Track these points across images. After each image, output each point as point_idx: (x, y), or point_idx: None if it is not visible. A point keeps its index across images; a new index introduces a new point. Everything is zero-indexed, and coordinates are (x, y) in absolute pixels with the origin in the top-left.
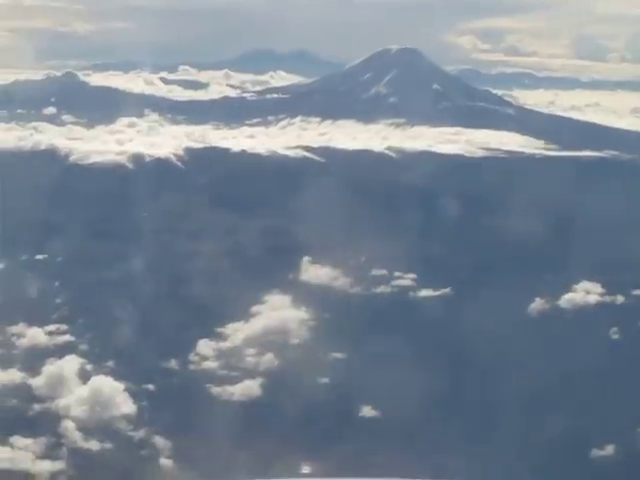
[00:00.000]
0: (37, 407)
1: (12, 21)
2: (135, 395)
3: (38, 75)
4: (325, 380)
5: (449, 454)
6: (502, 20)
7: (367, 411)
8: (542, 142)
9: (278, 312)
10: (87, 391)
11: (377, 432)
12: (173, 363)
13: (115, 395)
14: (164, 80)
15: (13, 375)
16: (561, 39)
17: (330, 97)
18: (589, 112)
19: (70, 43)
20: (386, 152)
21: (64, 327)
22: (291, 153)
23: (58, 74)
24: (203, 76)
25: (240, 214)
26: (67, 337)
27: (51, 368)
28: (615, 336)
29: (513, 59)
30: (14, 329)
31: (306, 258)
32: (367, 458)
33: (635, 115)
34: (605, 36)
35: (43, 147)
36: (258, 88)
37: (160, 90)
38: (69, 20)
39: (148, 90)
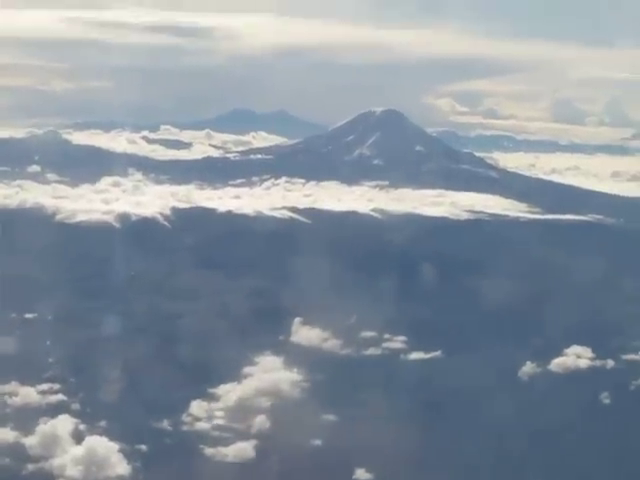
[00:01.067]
0: (31, 467)
1: None
2: (129, 455)
3: (19, 133)
4: (318, 442)
5: None
6: (480, 83)
7: (361, 474)
8: (525, 205)
9: (270, 374)
10: (82, 451)
11: None
12: (165, 423)
13: (109, 455)
14: (146, 139)
15: (6, 434)
16: (539, 102)
17: (314, 158)
18: (569, 175)
19: (50, 101)
20: (371, 214)
21: (56, 386)
22: (277, 214)
23: (40, 132)
24: (185, 135)
25: (228, 274)
26: (59, 396)
27: (44, 427)
28: (606, 400)
29: (491, 122)
30: (6, 388)
31: (297, 319)
32: None
33: (615, 179)
34: (583, 100)
35: (29, 205)
36: (241, 148)
37: (143, 149)
38: (49, 79)
39: (131, 149)
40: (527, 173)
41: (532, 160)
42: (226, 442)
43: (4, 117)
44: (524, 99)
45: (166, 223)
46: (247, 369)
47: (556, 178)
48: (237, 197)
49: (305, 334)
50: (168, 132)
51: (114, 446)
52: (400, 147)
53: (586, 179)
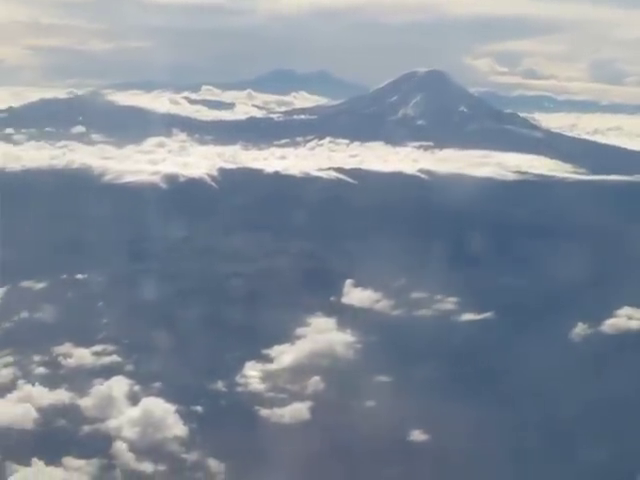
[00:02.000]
0: (87, 428)
1: (30, 39)
2: (185, 417)
3: (60, 93)
4: (372, 403)
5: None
6: (519, 43)
7: (417, 435)
8: (570, 166)
9: (323, 335)
10: (138, 412)
11: (428, 456)
12: (220, 385)
13: (166, 417)
14: (188, 100)
15: (61, 395)
16: (578, 63)
17: (357, 119)
18: (612, 136)
19: (88, 62)
20: (418, 174)
21: (110, 347)
22: (324, 175)
23: (80, 93)
24: (226, 96)
25: (277, 236)
26: (113, 357)
27: (99, 389)
28: None
29: (531, 82)
30: (60, 349)
31: (348, 281)
32: None
33: None
34: (622, 60)
35: (76, 166)
36: (284, 108)
37: (185, 110)
38: (87, 39)
39: (174, 110)
40: (570, 134)
41: (573, 120)
42: (281, 403)
43: (43, 78)
44: (563, 59)
45: (213, 184)
46: (300, 330)
47: (598, 138)
48: (283, 158)
49: (356, 295)
50: (210, 92)
51: (170, 407)
52: (444, 108)
53: (629, 139)
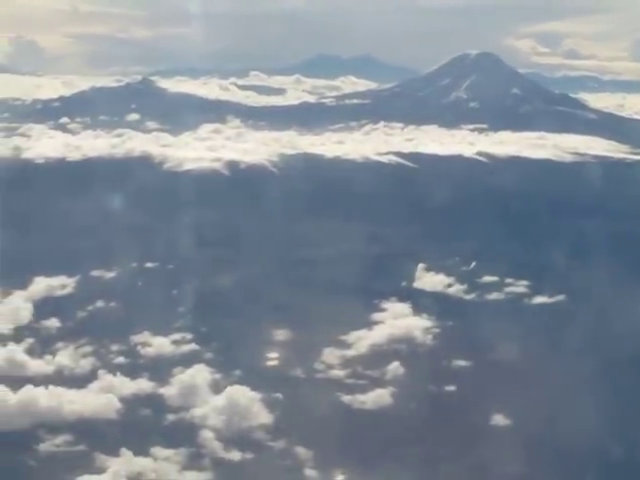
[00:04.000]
0: (172, 417)
1: (71, 27)
2: (268, 404)
3: (107, 81)
4: (452, 388)
5: (584, 462)
6: (559, 24)
7: (499, 419)
8: (627, 147)
9: (400, 320)
10: (222, 400)
11: (512, 441)
12: (299, 371)
13: (251, 404)
14: (238, 86)
15: (143, 385)
16: (619, 42)
17: (410, 102)
18: None
19: (130, 49)
20: (477, 157)
21: (188, 336)
22: (384, 159)
23: (128, 80)
24: (274, 81)
25: (344, 221)
26: (192, 346)
27: (181, 377)
28: None
29: (573, 62)
30: (138, 338)
31: (420, 265)
32: (504, 468)
33: None
34: None
35: (137, 154)
36: (335, 93)
37: (236, 96)
38: (127, 26)
39: (225, 96)
40: (621, 114)
41: (620, 100)
42: (362, 389)
43: (86, 66)
44: (604, 39)
45: (275, 170)
46: (375, 316)
47: None
48: (340, 142)
49: (428, 280)
50: (257, 78)
51: (255, 395)
52: (496, 90)
53: None
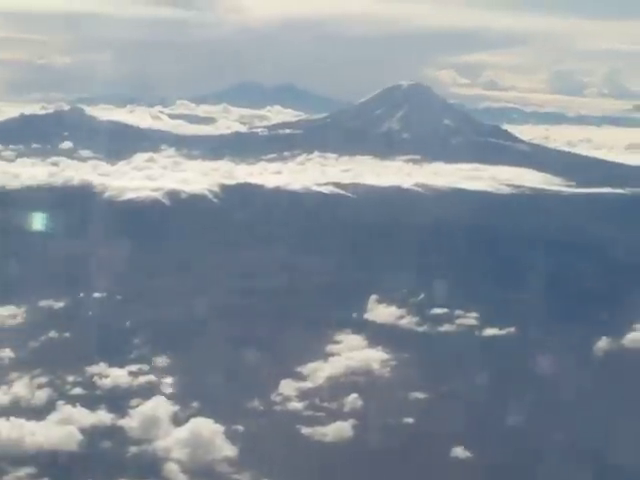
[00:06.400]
0: (134, 449)
1: None
2: (229, 437)
3: (31, 109)
4: (410, 420)
5: None
6: (479, 55)
7: (459, 452)
8: (561, 179)
9: (355, 352)
10: (185, 433)
11: (474, 473)
12: (257, 403)
13: (213, 437)
14: (166, 114)
15: (102, 416)
16: (538, 74)
17: (343, 133)
18: (584, 147)
19: (49, 76)
20: (415, 189)
21: (145, 367)
22: (324, 190)
23: (52, 107)
24: (201, 110)
25: (287, 251)
26: (149, 377)
27: (142, 409)
28: None
29: (493, 93)
30: (95, 369)
31: (373, 297)
32: None
33: (631, 151)
34: (581, 72)
35: (76, 183)
36: (264, 123)
37: (167, 125)
38: (46, 52)
39: (155, 125)
40: (549, 145)
41: (543, 132)
42: (322, 422)
43: (4, 92)
44: (523, 71)
45: (216, 200)
46: (330, 347)
47: (576, 150)
48: (277, 172)
49: (380, 312)
50: (184, 107)
51: (218, 428)
52: (428, 121)
53: (608, 151)
